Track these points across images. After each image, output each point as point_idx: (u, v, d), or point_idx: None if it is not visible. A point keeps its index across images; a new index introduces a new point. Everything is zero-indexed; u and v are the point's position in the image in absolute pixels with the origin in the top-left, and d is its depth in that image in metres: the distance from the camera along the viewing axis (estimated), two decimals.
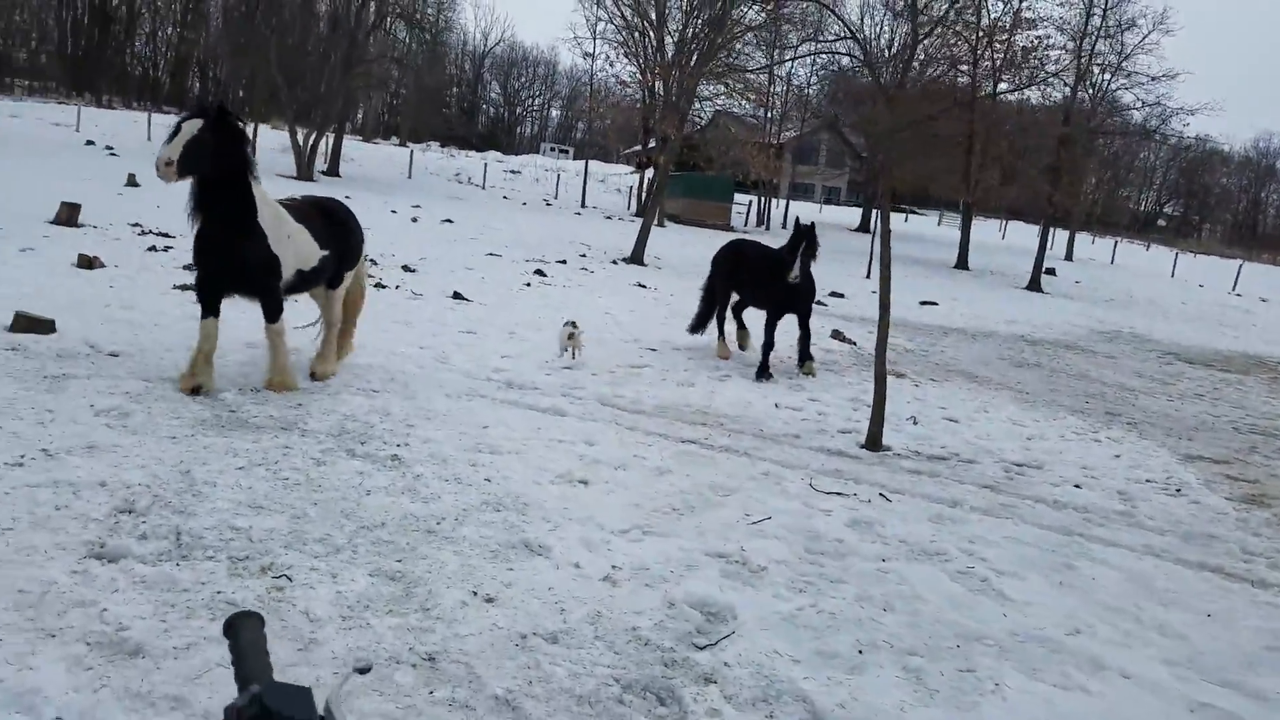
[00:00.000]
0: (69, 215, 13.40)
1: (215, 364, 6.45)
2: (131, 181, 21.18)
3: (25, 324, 6.96)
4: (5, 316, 7.18)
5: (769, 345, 9.64)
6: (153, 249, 12.57)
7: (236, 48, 37.31)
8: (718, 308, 10.55)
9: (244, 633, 1.14)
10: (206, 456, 5.06)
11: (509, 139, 78.78)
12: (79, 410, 5.49)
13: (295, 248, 6.60)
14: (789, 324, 10.00)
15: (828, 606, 4.17)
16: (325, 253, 6.91)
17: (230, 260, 6.21)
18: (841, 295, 18.81)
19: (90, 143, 31.09)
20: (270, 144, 37.08)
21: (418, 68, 46.11)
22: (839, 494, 5.97)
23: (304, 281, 6.92)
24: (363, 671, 1.16)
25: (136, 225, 14.50)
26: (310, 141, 33.21)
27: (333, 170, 35.32)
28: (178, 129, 5.89)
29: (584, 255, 21.05)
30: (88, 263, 10.30)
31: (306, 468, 5.10)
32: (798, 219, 10.06)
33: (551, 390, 7.84)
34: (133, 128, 37.70)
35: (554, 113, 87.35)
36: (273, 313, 6.58)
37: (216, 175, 5.99)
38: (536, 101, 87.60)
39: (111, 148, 29.83)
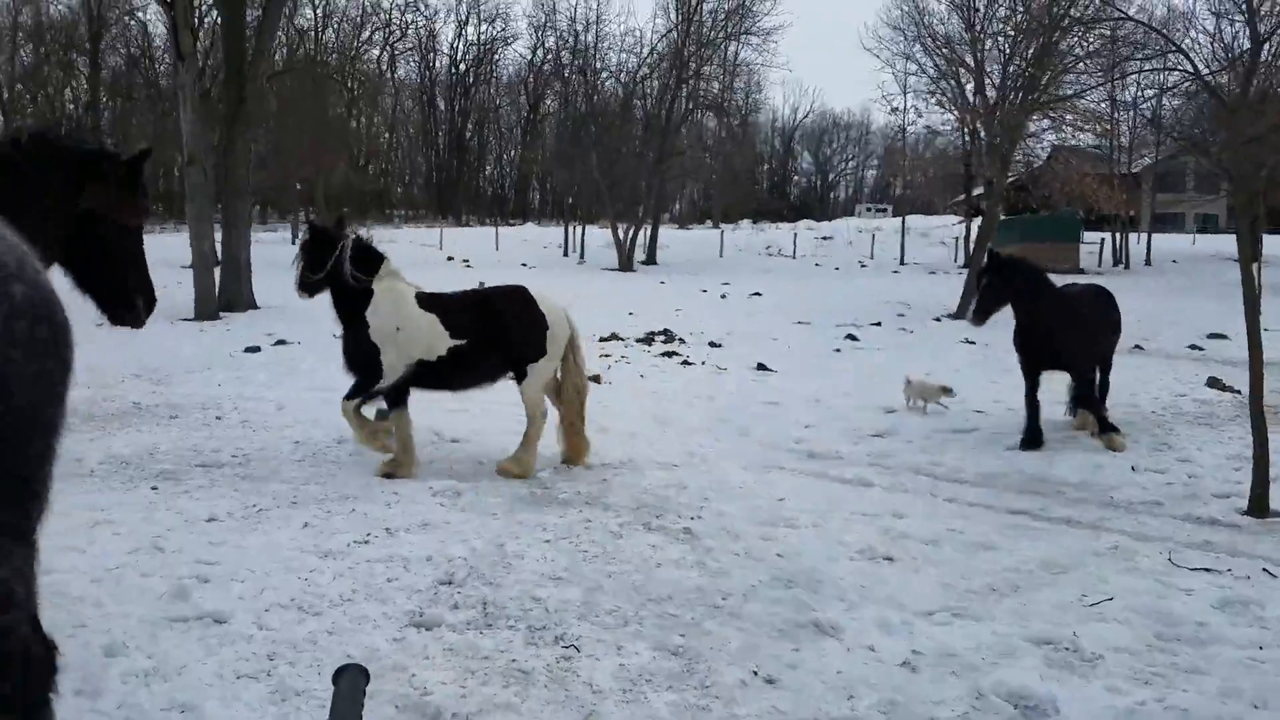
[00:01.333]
0: None
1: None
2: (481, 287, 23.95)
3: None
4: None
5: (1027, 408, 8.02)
6: None
7: (565, 160, 41.43)
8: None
9: (342, 684, 1.24)
10: (519, 531, 5.41)
11: (822, 206, 78.97)
12: (419, 492, 6.15)
13: (409, 336, 6.66)
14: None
15: (1178, 701, 3.44)
16: (459, 342, 6.73)
17: (345, 349, 6.87)
18: (1224, 336, 16.30)
19: (450, 258, 35.79)
20: (596, 240, 40.47)
21: (727, 152, 48.12)
22: (1207, 570, 5.02)
23: (435, 372, 6.80)
24: None
25: None
26: (630, 235, 35.72)
27: (650, 258, 37.59)
28: None
29: (902, 315, 20.33)
30: None
31: (604, 541, 5.27)
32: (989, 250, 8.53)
33: (857, 459, 7.50)
34: (484, 241, 43.02)
35: (869, 173, 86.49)
36: (352, 391, 6.72)
37: (325, 283, 6.76)
38: (850, 165, 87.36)
39: (467, 260, 34.22)
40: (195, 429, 8.00)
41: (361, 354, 6.74)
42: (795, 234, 43.56)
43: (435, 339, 6.73)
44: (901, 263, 36.37)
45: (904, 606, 4.40)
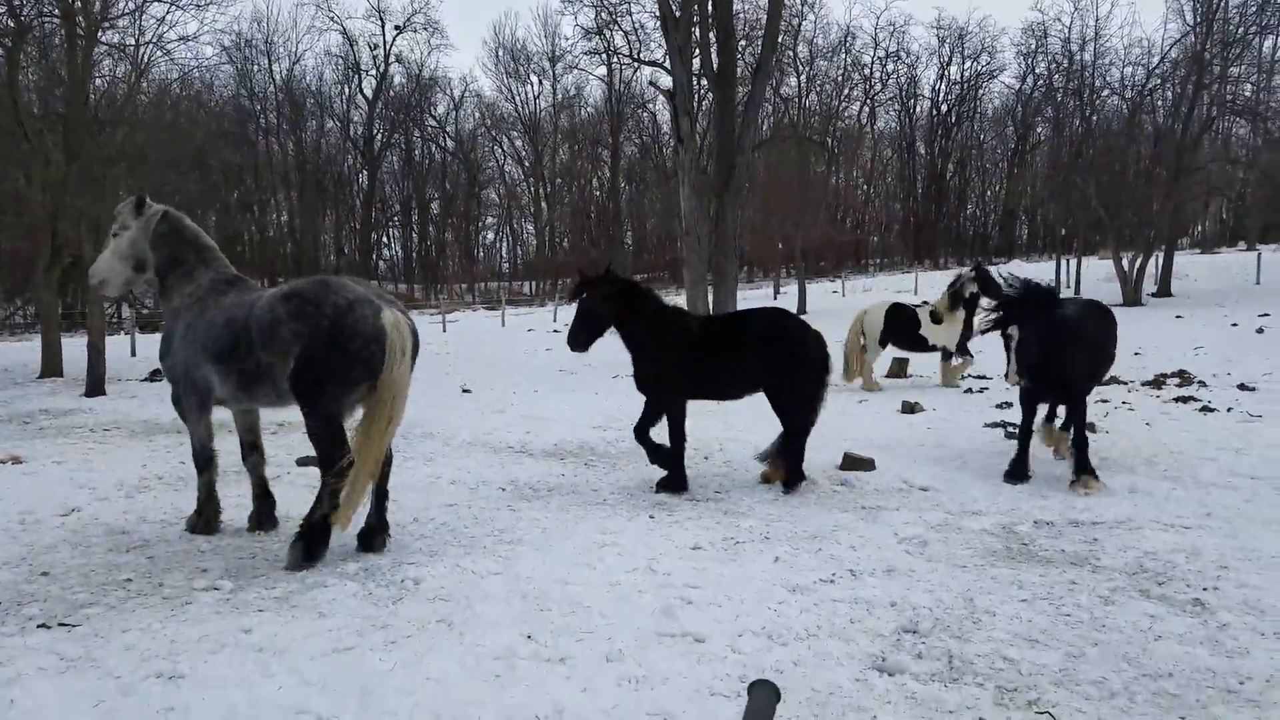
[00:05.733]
0: (899, 369, 15.36)
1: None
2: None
3: (851, 463, 8.15)
4: (837, 456, 8.53)
5: None
6: (969, 391, 13.45)
7: (1057, 188, 38.27)
8: None
9: (757, 697, 1.32)
10: (991, 586, 5.11)
11: None
12: (885, 537, 6.13)
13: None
14: None
15: None
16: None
17: None
18: None
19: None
20: (1095, 274, 36.61)
21: (1263, 163, 40.31)
22: None
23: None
24: None
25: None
26: (1137, 264, 31.70)
27: (1163, 290, 32.90)
28: None
29: None
30: (909, 408, 11.57)
31: (1091, 605, 4.74)
32: None
33: None
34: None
35: None
36: None
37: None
38: None
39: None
40: (689, 466, 8.87)
41: None
42: None
43: None
44: None
45: None
